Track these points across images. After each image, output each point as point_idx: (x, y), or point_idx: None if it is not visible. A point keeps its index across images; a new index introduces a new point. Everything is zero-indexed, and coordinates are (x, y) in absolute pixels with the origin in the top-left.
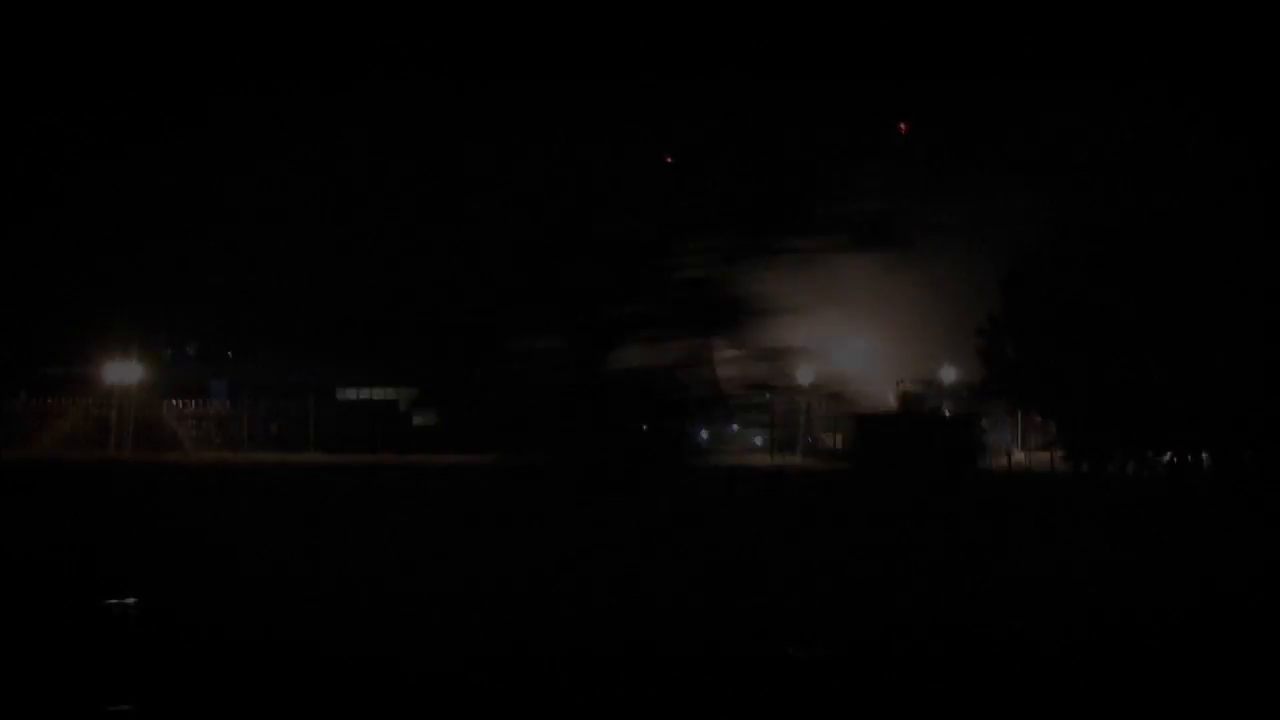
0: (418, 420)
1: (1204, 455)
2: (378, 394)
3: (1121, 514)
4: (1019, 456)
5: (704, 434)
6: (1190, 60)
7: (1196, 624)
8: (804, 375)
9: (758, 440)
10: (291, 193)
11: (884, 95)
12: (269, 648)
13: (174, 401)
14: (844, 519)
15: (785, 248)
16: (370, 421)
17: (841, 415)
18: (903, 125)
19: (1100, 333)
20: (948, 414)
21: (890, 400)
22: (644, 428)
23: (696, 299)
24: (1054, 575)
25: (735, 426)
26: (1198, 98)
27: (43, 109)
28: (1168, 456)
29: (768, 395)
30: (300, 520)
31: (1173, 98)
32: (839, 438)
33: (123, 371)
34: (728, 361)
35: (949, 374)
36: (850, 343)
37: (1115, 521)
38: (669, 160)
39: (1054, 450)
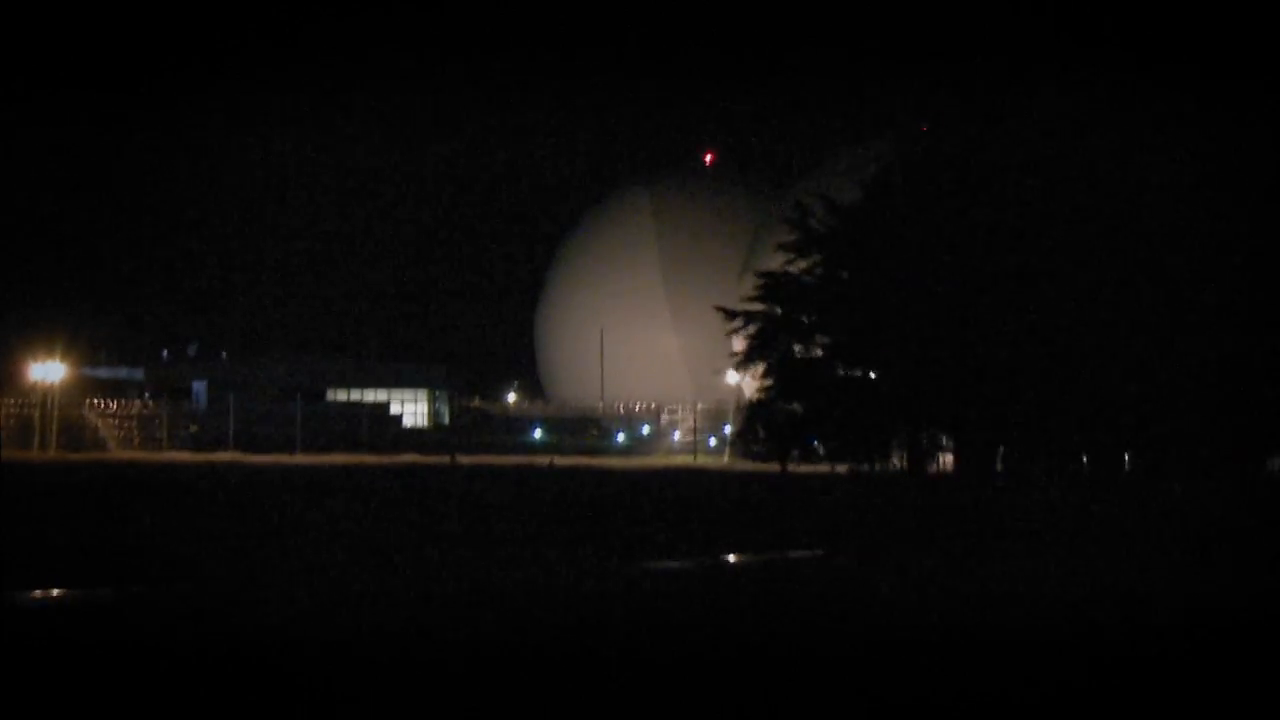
0: (408, 423)
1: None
2: (369, 396)
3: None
4: None
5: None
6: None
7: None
8: None
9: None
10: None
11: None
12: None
13: (95, 401)
14: None
15: None
16: (359, 424)
17: None
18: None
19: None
20: None
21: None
22: None
23: None
24: None
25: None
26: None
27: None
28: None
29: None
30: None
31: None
32: None
33: (46, 370)
34: None
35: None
36: None
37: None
38: None
39: None
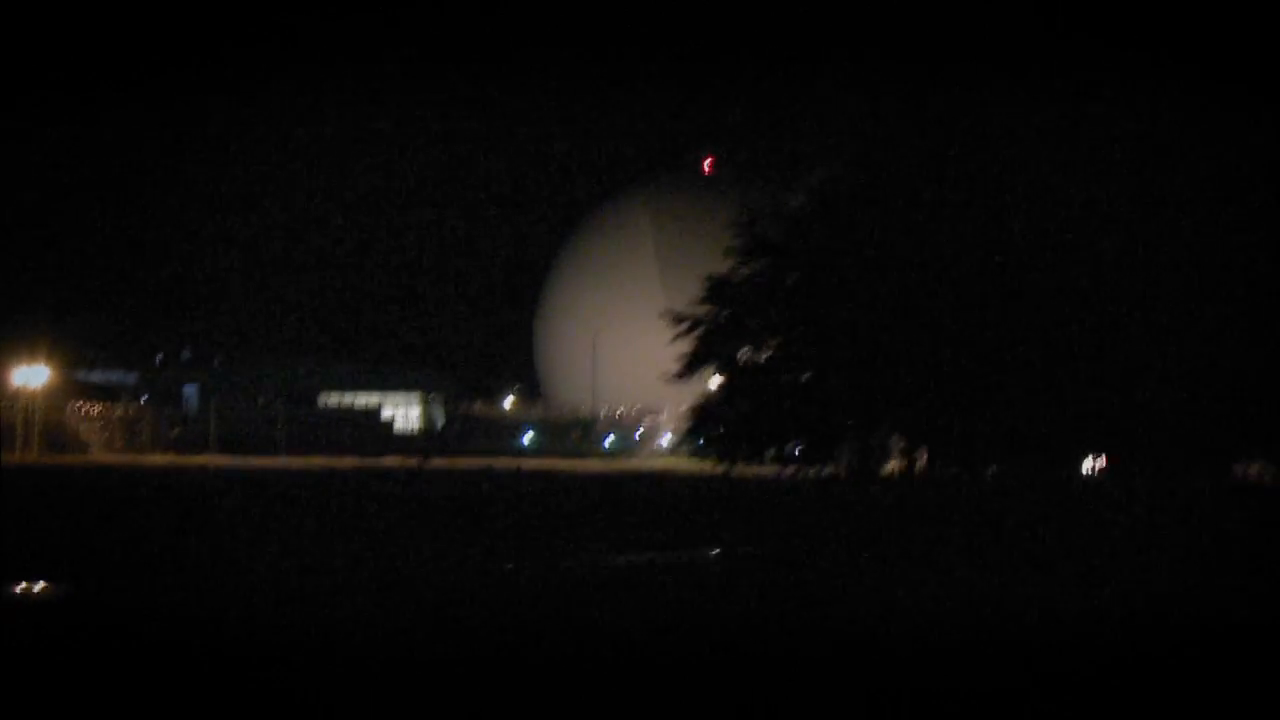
0: (401, 427)
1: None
2: (362, 400)
3: None
4: None
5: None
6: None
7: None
8: None
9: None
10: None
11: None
12: None
13: (77, 405)
14: None
15: None
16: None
17: None
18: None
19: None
20: None
21: None
22: None
23: None
24: None
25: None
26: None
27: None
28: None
29: None
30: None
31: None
32: None
33: (29, 375)
34: None
35: None
36: None
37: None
38: None
39: None
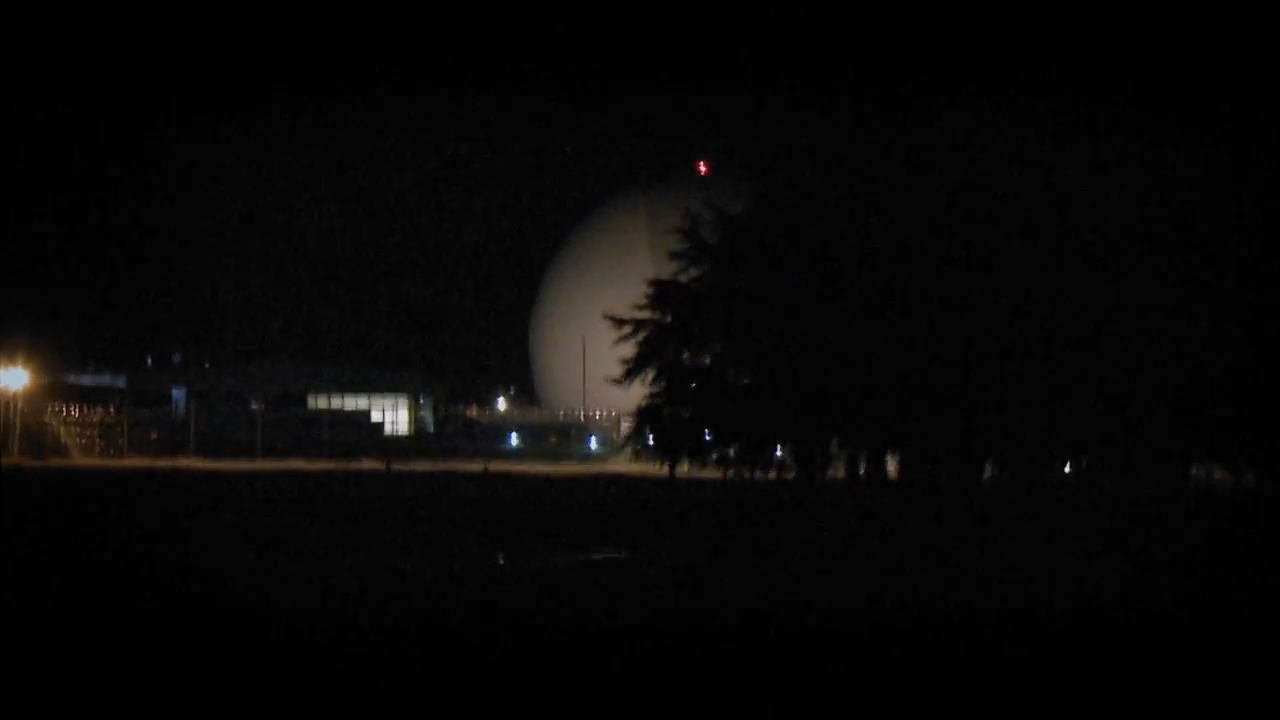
0: (390, 430)
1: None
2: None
3: None
4: None
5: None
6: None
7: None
8: None
9: None
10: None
11: None
12: None
13: (57, 408)
14: None
15: None
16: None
17: None
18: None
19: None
20: None
21: None
22: None
23: None
24: None
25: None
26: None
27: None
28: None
29: None
30: None
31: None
32: None
33: (8, 378)
34: None
35: None
36: None
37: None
38: None
39: None
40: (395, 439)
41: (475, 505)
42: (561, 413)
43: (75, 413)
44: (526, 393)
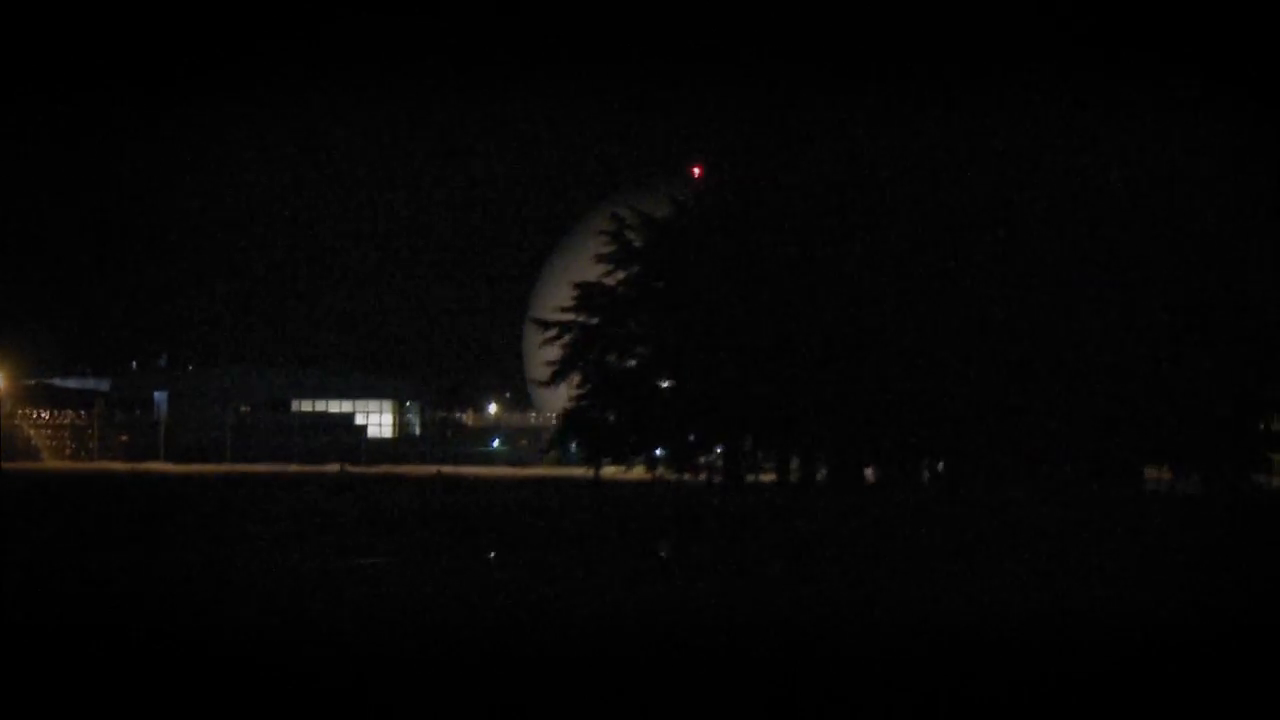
0: (375, 433)
1: None
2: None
3: None
4: None
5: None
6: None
7: None
8: None
9: None
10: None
11: None
12: None
13: (27, 411)
14: None
15: None
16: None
17: None
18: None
19: None
20: None
21: None
22: None
23: None
24: None
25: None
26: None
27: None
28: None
29: None
30: None
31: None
32: None
33: None
34: None
35: None
36: None
37: None
38: None
39: None
40: (379, 442)
41: (377, 509)
42: (554, 416)
43: (46, 416)
44: (518, 397)
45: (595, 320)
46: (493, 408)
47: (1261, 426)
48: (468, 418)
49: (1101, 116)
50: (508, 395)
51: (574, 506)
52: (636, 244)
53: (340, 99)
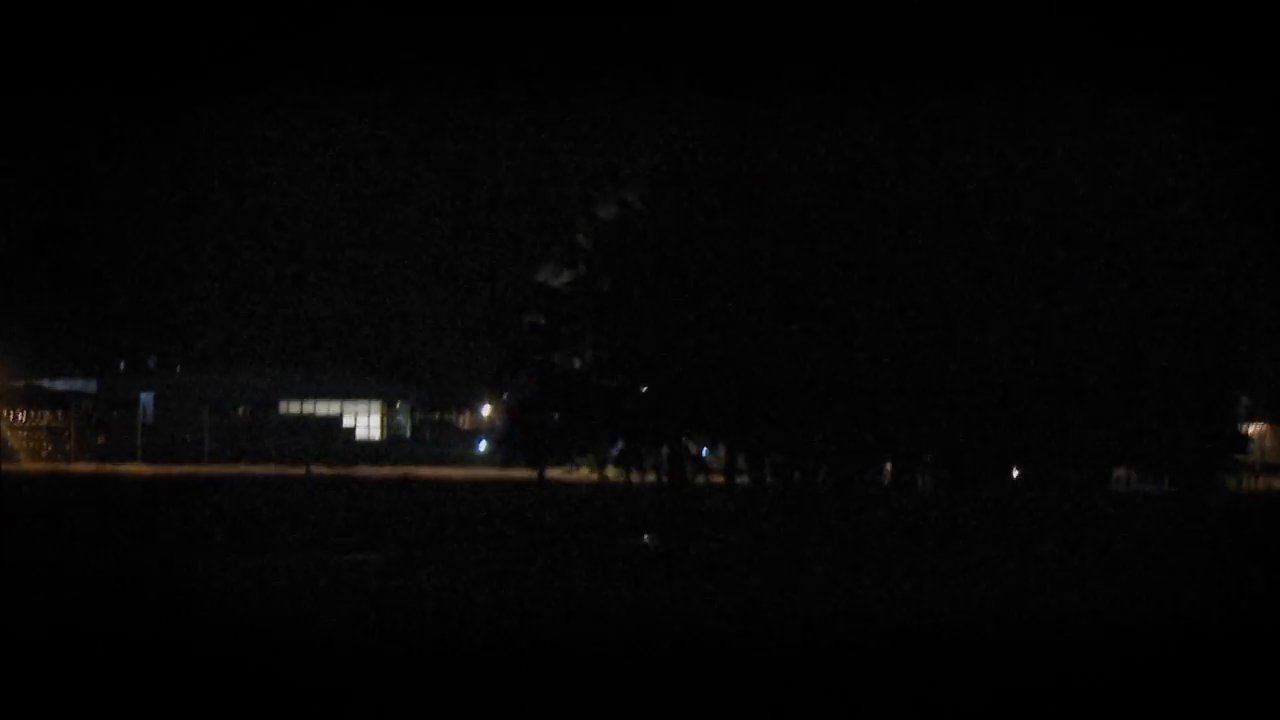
0: (363, 435)
1: None
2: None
3: None
4: None
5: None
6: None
7: None
8: None
9: None
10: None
11: None
12: None
13: (4, 413)
14: None
15: None
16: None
17: None
18: None
19: None
20: None
21: None
22: None
23: None
24: None
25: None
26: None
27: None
28: None
29: None
30: None
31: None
32: None
33: None
34: None
35: None
36: None
37: None
38: None
39: None
40: (367, 444)
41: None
42: None
43: (23, 418)
44: None
45: (541, 320)
46: (486, 409)
47: (1228, 429)
48: (464, 420)
49: (1067, 114)
50: (504, 397)
51: (502, 510)
52: (584, 245)
53: (325, 101)
